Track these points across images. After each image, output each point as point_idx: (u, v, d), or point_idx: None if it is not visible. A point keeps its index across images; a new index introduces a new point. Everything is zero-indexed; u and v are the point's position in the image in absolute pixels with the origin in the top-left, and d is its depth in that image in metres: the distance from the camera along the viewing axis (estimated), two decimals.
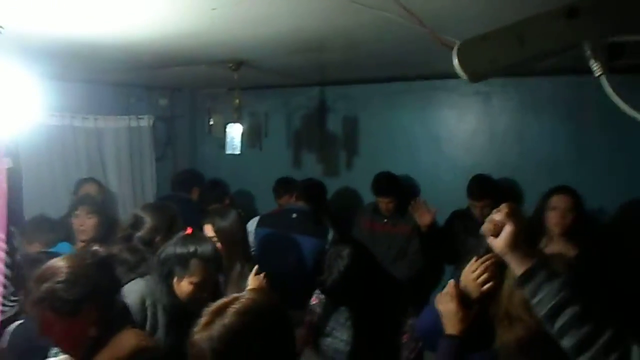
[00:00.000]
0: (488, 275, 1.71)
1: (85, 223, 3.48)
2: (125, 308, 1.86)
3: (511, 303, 1.52)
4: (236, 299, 1.36)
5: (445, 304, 1.71)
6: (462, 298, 1.71)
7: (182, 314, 2.22)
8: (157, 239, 2.60)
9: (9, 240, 2.49)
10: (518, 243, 1.31)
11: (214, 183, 4.64)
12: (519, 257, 1.30)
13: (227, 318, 1.30)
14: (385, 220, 3.93)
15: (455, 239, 3.64)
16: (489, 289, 1.69)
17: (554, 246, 2.91)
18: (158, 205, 3.31)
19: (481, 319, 1.68)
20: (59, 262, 1.72)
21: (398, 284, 3.58)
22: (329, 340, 2.47)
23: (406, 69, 3.63)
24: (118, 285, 1.85)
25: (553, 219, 2.98)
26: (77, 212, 3.52)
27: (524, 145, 3.80)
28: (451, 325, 1.67)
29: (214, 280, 2.35)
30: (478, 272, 1.71)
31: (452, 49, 1.16)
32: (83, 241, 3.44)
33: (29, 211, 3.97)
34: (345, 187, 4.53)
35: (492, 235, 1.34)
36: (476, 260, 1.74)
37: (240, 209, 3.32)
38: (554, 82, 3.54)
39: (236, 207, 3.85)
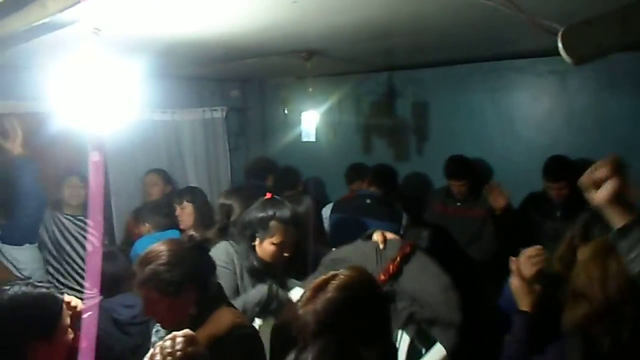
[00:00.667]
0: (540, 258, 1.77)
1: (180, 213, 3.57)
2: (220, 288, 1.99)
3: (578, 279, 1.52)
4: (335, 275, 1.48)
5: (512, 281, 1.78)
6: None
7: (264, 273, 2.41)
8: None
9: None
10: (619, 197, 1.27)
11: (287, 170, 4.71)
12: (619, 212, 1.27)
13: (329, 292, 1.42)
14: (459, 203, 3.91)
15: (530, 223, 3.58)
16: (539, 268, 1.76)
17: None
18: (237, 189, 3.46)
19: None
20: (160, 247, 1.86)
21: (475, 266, 3.59)
22: None
23: (476, 50, 3.58)
24: (214, 267, 1.97)
25: None
26: (174, 205, 3.61)
27: (601, 124, 3.66)
28: (520, 300, 1.73)
29: (294, 240, 2.51)
30: (532, 252, 1.78)
31: (555, 34, 1.18)
32: (184, 229, 3.50)
33: (116, 202, 4.21)
34: (416, 172, 4.52)
35: (593, 188, 1.31)
36: None
37: (313, 195, 3.40)
38: (633, 58, 3.39)
39: (309, 193, 3.96)
